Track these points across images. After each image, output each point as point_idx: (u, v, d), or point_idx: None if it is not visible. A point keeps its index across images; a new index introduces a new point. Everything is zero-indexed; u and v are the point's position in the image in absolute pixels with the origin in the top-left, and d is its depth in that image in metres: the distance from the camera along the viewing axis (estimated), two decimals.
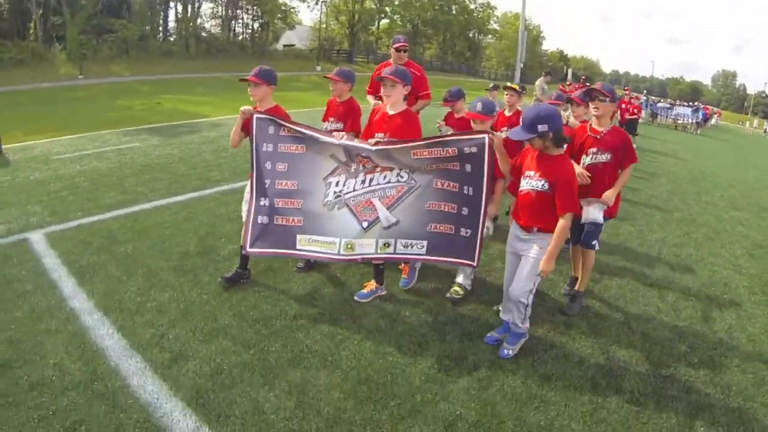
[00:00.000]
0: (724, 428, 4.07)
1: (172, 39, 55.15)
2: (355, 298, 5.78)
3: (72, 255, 6.56)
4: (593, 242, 5.78)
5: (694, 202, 11.81)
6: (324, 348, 4.79)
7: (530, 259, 4.66)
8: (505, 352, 4.81)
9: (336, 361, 4.61)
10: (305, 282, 6.08)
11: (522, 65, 40.41)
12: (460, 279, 5.91)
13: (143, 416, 3.79)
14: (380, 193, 5.29)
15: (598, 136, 5.63)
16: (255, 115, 5.48)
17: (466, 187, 5.06)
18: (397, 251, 5.33)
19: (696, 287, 6.75)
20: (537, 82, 15.64)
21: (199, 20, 57.80)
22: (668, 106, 42.70)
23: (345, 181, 5.36)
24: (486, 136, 4.91)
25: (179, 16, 56.91)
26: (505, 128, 7.48)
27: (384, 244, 5.32)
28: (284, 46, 67.32)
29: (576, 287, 5.97)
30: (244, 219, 5.65)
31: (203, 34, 57.02)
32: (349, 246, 5.34)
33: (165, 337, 4.81)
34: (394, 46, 7.57)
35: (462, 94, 7.36)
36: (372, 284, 5.92)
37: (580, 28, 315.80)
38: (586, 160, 5.67)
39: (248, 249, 5.50)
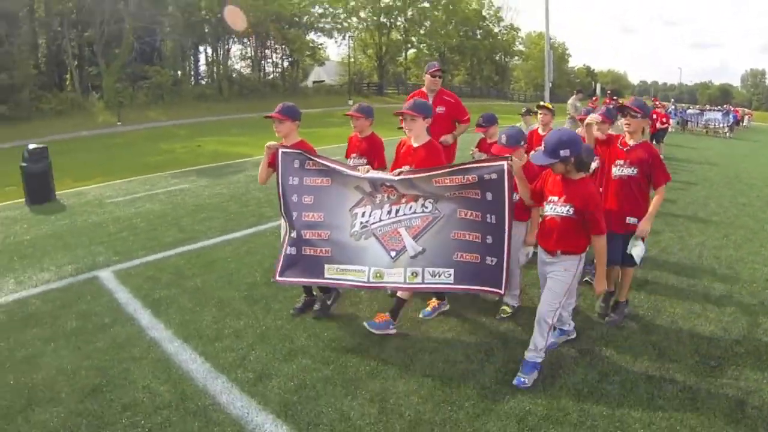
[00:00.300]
0: None
1: (204, 82, 56.58)
2: (421, 315, 5.98)
3: (143, 290, 6.90)
4: (634, 258, 5.77)
5: (730, 205, 12.00)
6: (398, 360, 5.08)
7: (555, 280, 4.74)
8: (521, 380, 4.78)
9: (411, 370, 4.89)
10: (371, 304, 6.37)
11: (551, 84, 40.45)
12: (507, 299, 6.02)
13: (236, 429, 4.11)
14: (406, 223, 5.37)
15: (626, 149, 5.72)
16: (280, 150, 5.63)
17: (488, 215, 5.10)
18: (425, 281, 5.37)
19: (738, 286, 6.97)
20: (569, 101, 15.78)
21: (229, 62, 59.27)
22: (698, 112, 42.69)
23: (371, 212, 5.47)
24: (505, 162, 4.92)
25: (209, 59, 58.44)
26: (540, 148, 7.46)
27: (412, 274, 5.37)
28: (314, 82, 68.57)
29: (615, 297, 6.08)
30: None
31: (234, 75, 58.28)
32: (378, 275, 5.44)
33: (246, 359, 5.13)
34: (429, 72, 7.59)
35: (495, 120, 7.30)
36: (434, 302, 6.12)
37: (604, 42, 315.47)
38: (615, 171, 5.77)
39: (277, 278, 5.69)
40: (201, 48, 58.25)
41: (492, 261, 5.11)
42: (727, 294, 6.69)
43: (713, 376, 4.82)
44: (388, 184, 5.36)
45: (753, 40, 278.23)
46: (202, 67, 59.79)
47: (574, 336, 5.44)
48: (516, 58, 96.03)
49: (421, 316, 5.98)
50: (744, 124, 47.98)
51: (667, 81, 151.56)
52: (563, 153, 4.41)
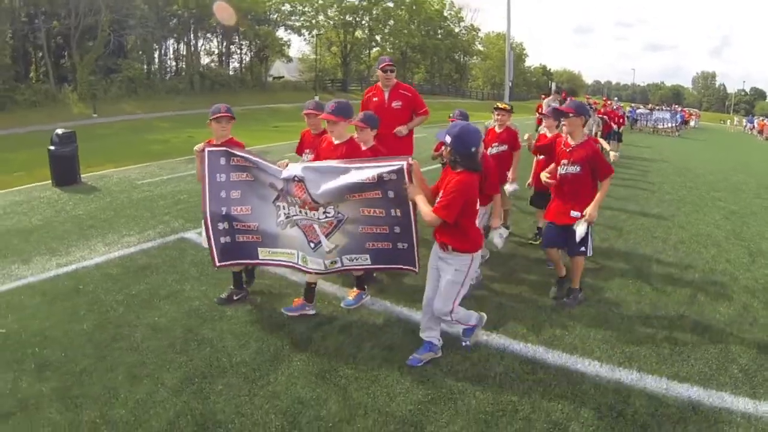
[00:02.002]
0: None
1: (168, 77, 57.08)
2: (343, 305, 6.13)
3: None
4: (581, 249, 6.13)
5: (681, 188, 14.74)
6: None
7: (448, 281, 4.76)
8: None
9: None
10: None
11: (510, 84, 42.07)
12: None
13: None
14: (318, 222, 5.57)
15: (569, 150, 6.09)
16: (206, 149, 5.75)
17: (392, 210, 5.24)
18: (344, 265, 5.71)
19: (688, 237, 9.44)
20: (546, 101, 16.17)
21: (193, 58, 59.93)
22: (647, 111, 44.63)
23: (288, 207, 5.67)
24: (404, 162, 4.96)
25: (177, 54, 58.99)
26: (496, 144, 7.91)
27: (331, 263, 5.67)
28: (273, 78, 69.51)
29: (571, 286, 6.40)
30: (204, 244, 6.09)
31: (205, 70, 59.05)
32: (304, 259, 5.76)
33: None
34: (380, 66, 7.55)
35: (467, 117, 6.96)
36: (355, 291, 6.28)
37: (560, 42, 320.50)
38: (560, 170, 6.16)
39: (217, 264, 5.94)
40: (170, 42, 58.83)
41: (404, 246, 5.41)
42: (681, 242, 9.14)
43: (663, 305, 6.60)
44: (298, 178, 5.44)
45: (704, 43, 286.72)
46: (173, 62, 60.46)
47: (484, 320, 5.38)
48: (475, 57, 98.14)
49: (343, 305, 6.12)
50: (691, 124, 50.46)
51: (620, 81, 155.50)
52: (447, 140, 4.49)
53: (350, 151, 5.76)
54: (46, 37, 45.47)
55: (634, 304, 6.39)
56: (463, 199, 4.50)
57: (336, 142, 5.88)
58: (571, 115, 6.00)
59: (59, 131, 14.45)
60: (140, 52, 54.71)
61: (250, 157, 5.73)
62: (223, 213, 5.78)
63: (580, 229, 5.92)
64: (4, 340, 5.42)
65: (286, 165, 5.58)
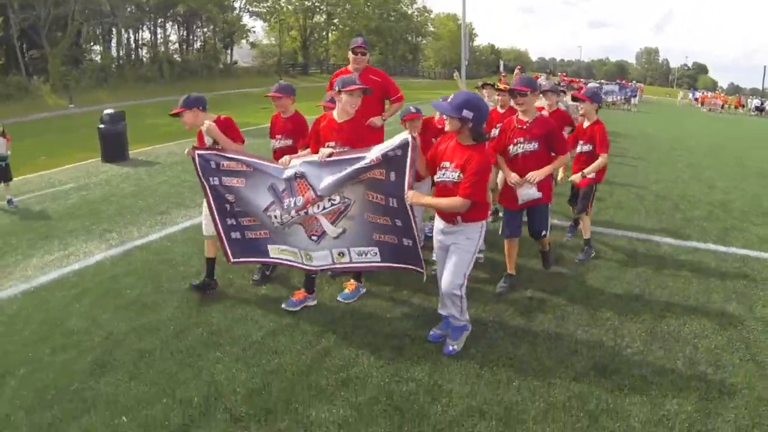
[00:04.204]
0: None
1: (137, 65, 57.23)
2: (340, 299, 5.93)
3: None
4: (543, 232, 6.15)
5: (648, 149, 18.19)
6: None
7: (459, 251, 4.67)
8: (450, 348, 4.86)
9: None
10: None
11: (467, 63, 43.56)
12: None
13: None
14: (322, 213, 5.31)
15: (524, 127, 5.83)
16: (196, 152, 5.53)
17: (390, 200, 4.96)
18: (353, 260, 5.43)
19: (661, 185, 12.51)
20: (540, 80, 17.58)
21: (162, 47, 60.84)
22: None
23: (281, 215, 5.37)
24: (409, 136, 4.75)
25: (139, 41, 59.65)
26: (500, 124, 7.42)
27: (339, 254, 5.41)
28: (236, 63, 70.14)
29: (542, 249, 6.49)
30: (205, 233, 6.05)
31: (173, 58, 59.93)
32: (308, 256, 5.54)
33: None
34: (351, 47, 6.89)
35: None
36: (352, 283, 6.07)
37: (506, 21, 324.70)
38: (515, 149, 5.89)
39: (232, 260, 5.89)
40: (134, 31, 59.10)
41: (409, 243, 5.12)
42: (659, 193, 11.65)
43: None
44: (299, 174, 5.23)
45: (647, 20, 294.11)
46: (140, 51, 60.74)
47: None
48: (428, 38, 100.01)
49: (340, 299, 5.93)
50: (634, 101, 52.50)
51: (565, 57, 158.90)
52: (465, 113, 4.35)
53: (355, 129, 5.43)
54: (16, 28, 45.14)
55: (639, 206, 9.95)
56: (488, 174, 4.59)
57: (339, 120, 5.43)
58: (528, 92, 5.78)
59: (108, 111, 15.93)
60: (109, 41, 55.23)
61: (247, 159, 5.49)
62: (228, 209, 5.70)
63: (526, 191, 5.81)
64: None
65: (288, 162, 5.37)
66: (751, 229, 8.94)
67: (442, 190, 4.65)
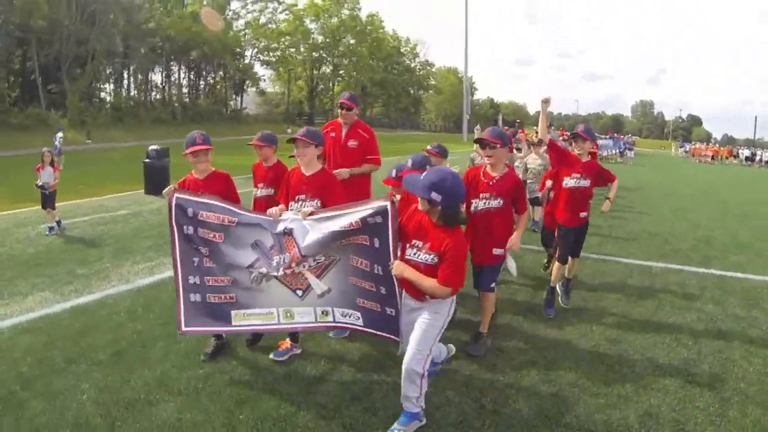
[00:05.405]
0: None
1: (152, 107, 58.85)
2: (271, 356, 5.60)
3: None
4: (491, 285, 5.86)
5: (641, 196, 19.92)
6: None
7: (425, 324, 4.31)
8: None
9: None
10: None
11: (468, 116, 44.42)
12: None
13: None
14: (308, 268, 5.02)
15: (491, 183, 5.59)
16: (175, 196, 5.11)
17: (376, 266, 4.74)
18: (337, 320, 5.14)
19: (653, 225, 13.80)
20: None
21: (174, 90, 62.89)
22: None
23: (268, 272, 5.05)
24: (387, 202, 4.53)
25: (150, 84, 61.59)
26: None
27: (323, 312, 5.13)
28: (245, 110, 72.55)
29: (479, 330, 5.95)
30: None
31: (187, 102, 61.52)
32: (288, 314, 5.19)
33: None
34: (339, 102, 6.97)
35: (446, 152, 6.77)
36: (286, 343, 5.74)
37: (504, 74, 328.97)
38: (478, 204, 5.63)
39: (183, 329, 5.25)
40: (149, 73, 61.20)
41: (391, 312, 4.80)
42: (647, 230, 13.17)
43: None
44: (287, 230, 4.96)
45: (641, 72, 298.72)
46: (153, 93, 62.74)
47: (453, 352, 5.35)
48: (430, 91, 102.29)
49: (271, 356, 5.60)
50: (629, 154, 52.59)
51: (563, 111, 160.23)
52: (434, 196, 4.00)
53: (325, 181, 5.44)
54: (38, 63, 46.91)
55: (633, 241, 10.85)
56: (465, 259, 4.27)
57: (307, 173, 5.41)
58: (497, 146, 5.53)
59: (154, 147, 17.26)
60: (120, 82, 56.91)
61: (234, 209, 5.14)
62: (195, 265, 5.20)
63: (512, 265, 5.76)
64: None
65: (280, 214, 5.07)
66: (729, 257, 10.55)
67: (413, 267, 4.26)
